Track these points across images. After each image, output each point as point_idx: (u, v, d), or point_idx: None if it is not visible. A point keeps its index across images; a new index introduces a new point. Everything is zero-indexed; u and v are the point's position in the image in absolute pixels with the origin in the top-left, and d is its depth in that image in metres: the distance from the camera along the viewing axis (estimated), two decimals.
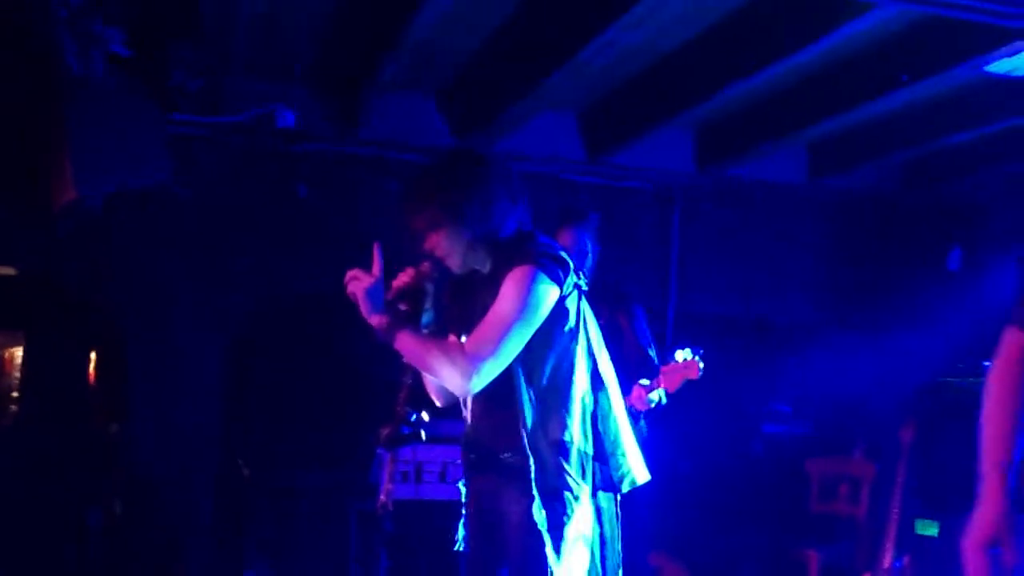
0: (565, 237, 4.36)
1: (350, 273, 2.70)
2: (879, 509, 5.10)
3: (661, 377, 4.04)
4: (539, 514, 2.58)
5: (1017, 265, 5.76)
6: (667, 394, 4.12)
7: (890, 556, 4.98)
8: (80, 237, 4.81)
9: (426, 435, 2.81)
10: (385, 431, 2.73)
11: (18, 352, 6.35)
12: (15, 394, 6.28)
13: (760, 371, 6.11)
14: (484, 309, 2.63)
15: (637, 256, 6.09)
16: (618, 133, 5.63)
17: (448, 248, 2.74)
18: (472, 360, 2.55)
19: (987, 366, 4.77)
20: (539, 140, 5.77)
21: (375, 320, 2.66)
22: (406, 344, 2.63)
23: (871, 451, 5.59)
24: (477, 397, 2.71)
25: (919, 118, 5.34)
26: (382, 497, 2.76)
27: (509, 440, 2.65)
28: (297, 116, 5.29)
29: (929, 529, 4.79)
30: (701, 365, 4.02)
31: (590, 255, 4.38)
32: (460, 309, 2.84)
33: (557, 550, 2.56)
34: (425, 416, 2.90)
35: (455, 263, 2.76)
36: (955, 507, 4.72)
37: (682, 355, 4.03)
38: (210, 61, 4.92)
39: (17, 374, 6.30)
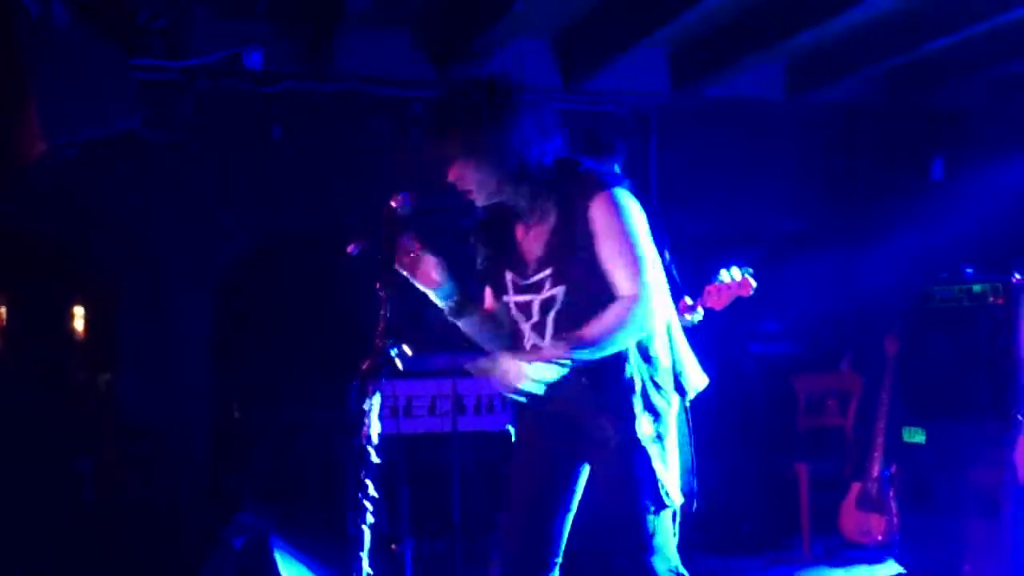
0: None
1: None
2: (866, 420, 5.16)
3: (706, 296, 3.88)
4: (641, 430, 2.64)
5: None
6: (714, 312, 3.96)
7: (878, 465, 5.05)
8: (56, 189, 4.76)
9: (411, 369, 2.82)
10: (364, 365, 2.74)
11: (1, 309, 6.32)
12: None
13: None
14: (561, 245, 2.64)
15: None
16: (592, 57, 5.56)
17: (475, 183, 2.69)
18: (641, 302, 2.56)
19: (969, 273, 4.81)
20: (514, 68, 5.67)
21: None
22: (585, 345, 2.57)
23: (858, 363, 5.64)
24: (563, 321, 2.68)
25: (898, 25, 5.27)
26: (366, 430, 2.78)
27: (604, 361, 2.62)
28: (265, 55, 5.20)
29: (916, 436, 4.83)
30: (754, 283, 3.86)
31: None
32: (504, 247, 2.82)
33: (663, 459, 2.67)
34: (408, 350, 2.90)
35: (481, 198, 2.72)
36: (940, 414, 4.78)
37: (730, 274, 3.84)
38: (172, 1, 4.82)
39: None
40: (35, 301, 5.91)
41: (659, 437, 2.68)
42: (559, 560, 2.87)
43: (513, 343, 2.86)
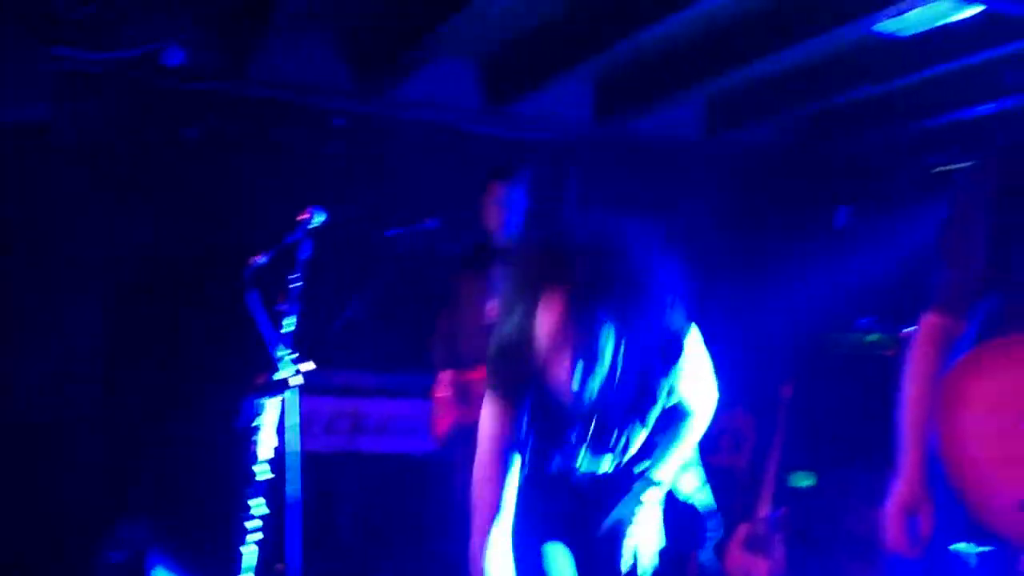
0: (497, 192, 4.35)
1: None
2: (758, 462, 5.26)
3: None
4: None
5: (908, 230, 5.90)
6: None
7: (767, 507, 5.14)
8: None
9: (310, 385, 2.79)
10: (259, 379, 2.72)
11: None
12: None
13: None
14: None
15: (533, 208, 6.07)
16: (518, 82, 5.59)
17: None
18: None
19: (864, 323, 4.95)
20: (438, 87, 5.70)
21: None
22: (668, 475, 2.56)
23: (753, 406, 5.74)
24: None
25: (812, 76, 5.42)
26: (256, 447, 2.75)
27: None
28: (188, 54, 5.11)
29: (805, 481, 4.95)
30: None
31: (519, 211, 4.39)
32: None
33: None
34: (311, 365, 2.88)
35: None
36: (830, 460, 4.91)
37: None
38: None
39: None
40: None
41: None
42: None
43: None
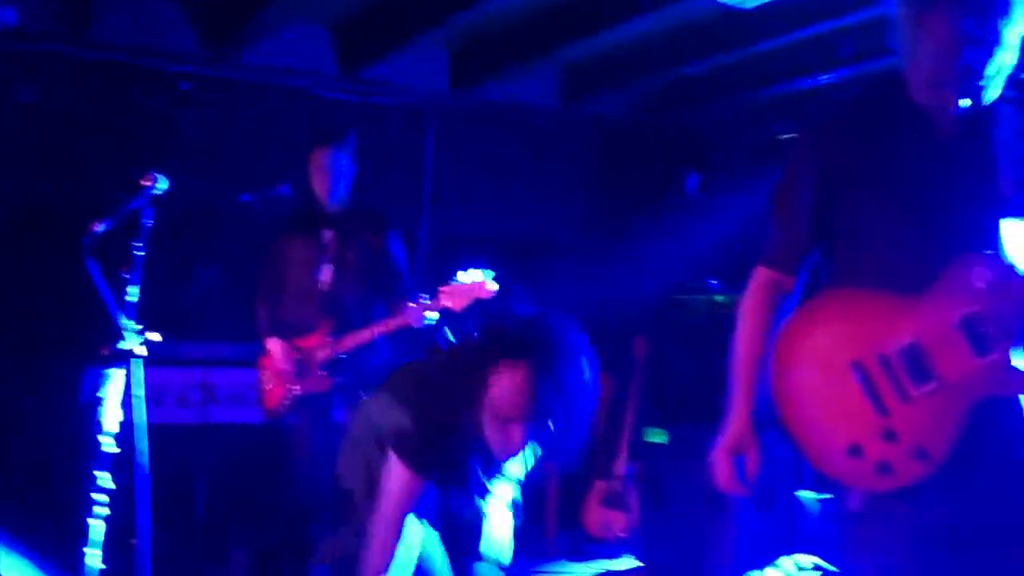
0: (322, 158, 4.27)
1: None
2: (614, 420, 5.38)
3: (441, 296, 3.94)
4: None
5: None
6: (452, 313, 4.01)
7: (623, 463, 5.28)
8: None
9: (159, 356, 2.74)
10: (104, 350, 2.65)
11: None
12: None
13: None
14: None
15: (390, 177, 6.03)
16: (372, 48, 5.52)
17: None
18: None
19: (713, 285, 5.12)
20: (291, 52, 5.58)
21: None
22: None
23: (609, 365, 5.86)
24: None
25: (661, 46, 5.53)
26: (101, 419, 2.68)
27: None
28: (20, 13, 4.85)
29: (658, 437, 5.09)
30: (494, 286, 3.93)
31: (347, 177, 4.32)
32: None
33: None
34: (156, 336, 2.81)
35: None
36: (681, 416, 5.06)
37: (469, 275, 3.93)
38: None
39: None
40: None
41: None
42: None
43: None
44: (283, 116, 5.57)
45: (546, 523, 5.67)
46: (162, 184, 2.99)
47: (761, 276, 2.30)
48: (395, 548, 2.75)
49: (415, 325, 4.04)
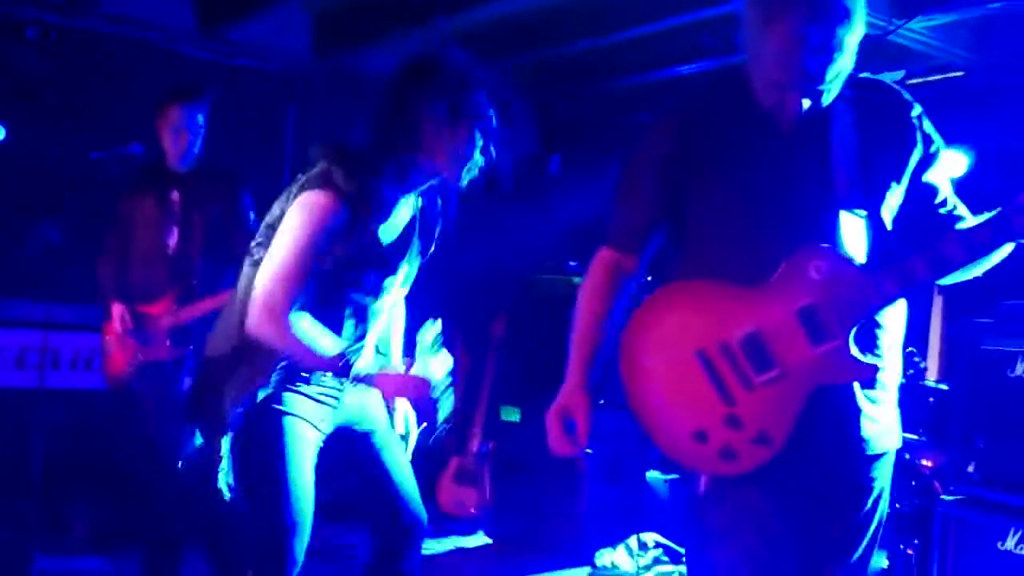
0: (174, 115, 4.11)
1: None
2: (469, 398, 5.41)
3: None
4: None
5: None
6: None
7: (477, 441, 5.32)
8: None
9: None
10: None
11: None
12: None
13: None
14: None
15: (251, 140, 5.86)
16: (232, 6, 5.35)
17: None
18: None
19: (571, 266, 5.19)
20: (148, 5, 5.35)
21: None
22: None
23: (467, 344, 5.89)
24: None
25: (529, 26, 5.53)
26: None
27: None
28: None
29: (512, 415, 5.15)
30: None
31: (200, 136, 4.16)
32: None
33: None
34: None
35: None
36: (536, 394, 5.13)
37: None
38: None
39: None
40: None
41: None
42: None
43: None
44: (139, 72, 5.33)
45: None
46: None
47: (603, 255, 2.36)
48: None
49: None
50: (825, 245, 2.11)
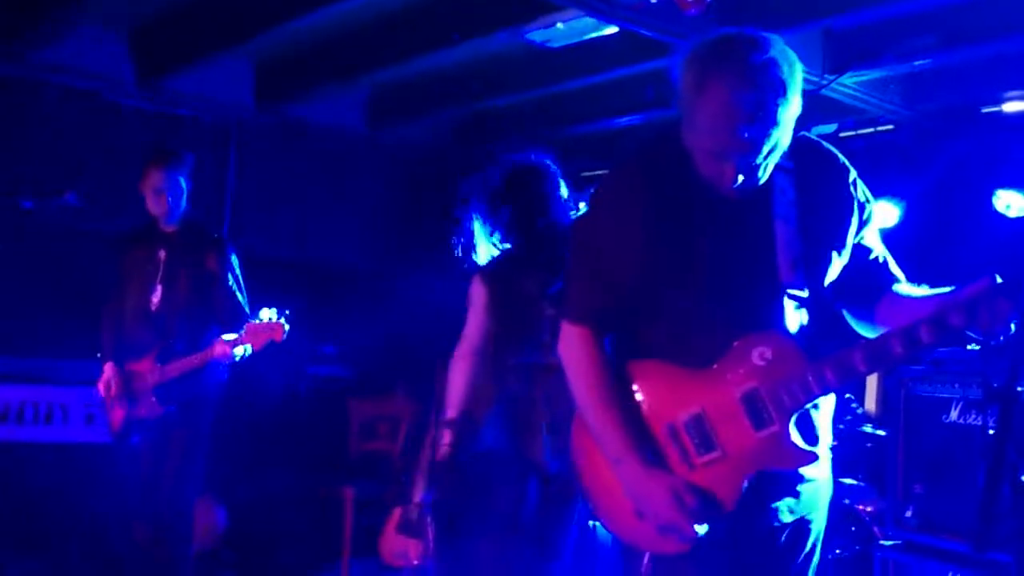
0: (155, 178, 4.23)
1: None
2: (415, 447, 5.36)
3: (245, 334, 4.05)
4: None
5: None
6: (253, 350, 4.11)
7: (421, 491, 5.25)
8: None
9: None
10: None
11: None
12: None
13: (311, 315, 6.13)
14: None
15: (191, 189, 5.81)
16: (173, 57, 5.33)
17: None
18: None
19: None
20: (85, 55, 5.31)
21: None
22: None
23: (411, 392, 5.85)
24: None
25: (471, 77, 5.59)
26: None
27: None
28: None
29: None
30: (286, 327, 4.06)
31: (184, 196, 4.30)
32: None
33: None
34: None
35: None
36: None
37: (267, 314, 4.07)
38: None
39: None
40: None
41: None
42: None
43: None
44: (75, 121, 5.28)
45: (341, 553, 5.57)
46: None
47: (580, 333, 2.24)
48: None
49: (224, 361, 4.12)
50: (771, 331, 2.10)
